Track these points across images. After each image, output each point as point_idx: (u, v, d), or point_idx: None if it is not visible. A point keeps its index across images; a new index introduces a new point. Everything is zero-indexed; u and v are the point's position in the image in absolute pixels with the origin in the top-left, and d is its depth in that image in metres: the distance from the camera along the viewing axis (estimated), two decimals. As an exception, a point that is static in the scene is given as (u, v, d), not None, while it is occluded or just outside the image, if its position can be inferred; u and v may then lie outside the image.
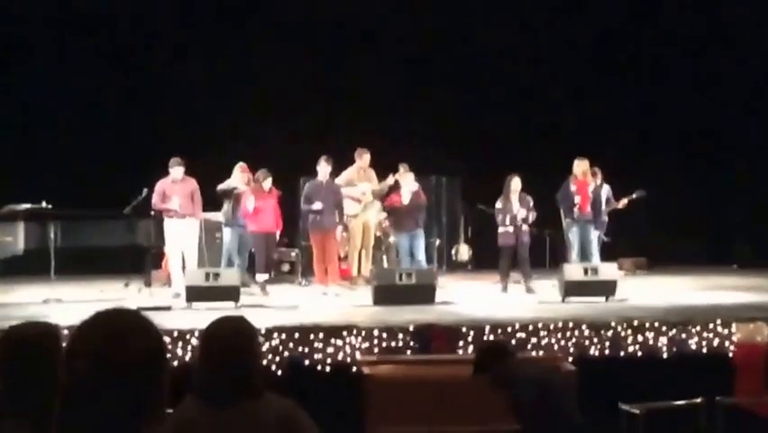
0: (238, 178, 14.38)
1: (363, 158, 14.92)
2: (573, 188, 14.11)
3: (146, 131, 17.33)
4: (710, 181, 19.02)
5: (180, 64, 17.83)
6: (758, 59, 18.28)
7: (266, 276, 13.81)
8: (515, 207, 13.89)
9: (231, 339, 3.75)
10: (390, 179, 14.85)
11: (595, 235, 14.16)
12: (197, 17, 18.47)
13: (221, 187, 14.34)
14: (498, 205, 14.08)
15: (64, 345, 3.11)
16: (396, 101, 18.01)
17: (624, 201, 15.15)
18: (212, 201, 14.25)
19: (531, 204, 14.01)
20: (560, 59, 18.73)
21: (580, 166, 14.18)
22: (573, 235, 14.09)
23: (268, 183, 13.93)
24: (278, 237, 14.48)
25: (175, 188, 13.43)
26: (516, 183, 13.99)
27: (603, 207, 14.82)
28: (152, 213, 13.69)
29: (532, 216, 13.97)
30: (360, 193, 14.78)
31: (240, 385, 3.65)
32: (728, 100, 18.79)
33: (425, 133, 17.84)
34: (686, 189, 18.62)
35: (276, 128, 17.51)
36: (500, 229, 14.00)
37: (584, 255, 13.97)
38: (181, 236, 13.42)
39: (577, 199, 14.04)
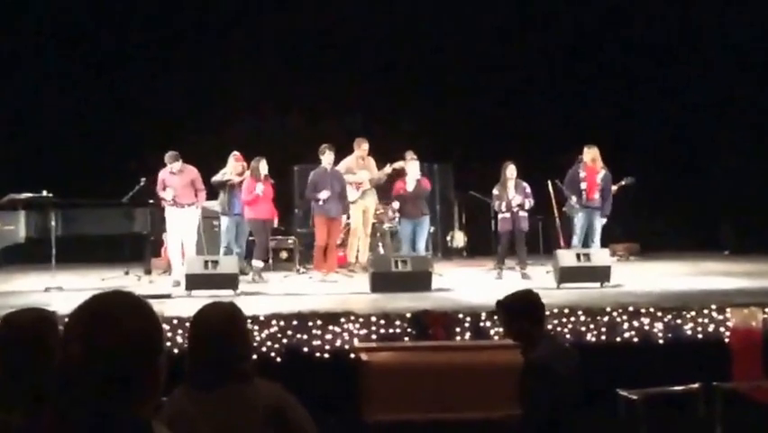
0: (232, 167, 14.45)
1: (362, 147, 14.98)
2: (582, 174, 14.14)
3: (143, 121, 17.38)
4: (696, 169, 19.16)
5: (177, 54, 17.87)
6: (742, 48, 18.38)
7: (263, 263, 13.86)
8: (510, 194, 13.98)
9: (217, 324, 3.79)
10: (388, 169, 14.95)
11: (601, 223, 14.19)
12: (192, 9, 18.52)
13: (215, 179, 14.40)
14: (495, 192, 14.20)
15: (61, 328, 3.15)
16: (387, 89, 18.03)
17: (614, 188, 15.21)
18: (209, 190, 14.31)
19: (527, 190, 14.10)
20: (547, 47, 18.76)
21: (590, 153, 14.21)
22: (578, 221, 14.15)
23: (264, 168, 13.94)
24: (275, 224, 14.49)
25: (173, 178, 13.51)
26: (510, 170, 14.10)
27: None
28: (151, 201, 13.78)
29: (529, 203, 14.05)
30: (359, 180, 14.85)
31: (226, 369, 3.69)
32: (714, 82, 18.91)
33: (417, 120, 17.86)
34: (673, 174, 18.72)
35: (268, 118, 17.56)
36: (499, 216, 14.14)
37: (586, 241, 14.03)
38: (180, 225, 13.49)
39: (584, 186, 14.08)
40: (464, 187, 17.17)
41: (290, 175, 16.77)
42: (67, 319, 2.28)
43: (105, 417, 2.18)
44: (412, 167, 14.45)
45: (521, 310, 5.70)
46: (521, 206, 13.99)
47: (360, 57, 18.27)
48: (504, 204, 14.04)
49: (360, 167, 14.96)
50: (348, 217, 14.96)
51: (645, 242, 17.78)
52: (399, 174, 14.73)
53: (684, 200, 18.98)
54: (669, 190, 18.61)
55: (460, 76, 18.51)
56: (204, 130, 16.82)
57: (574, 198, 14.20)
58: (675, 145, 18.99)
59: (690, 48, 18.87)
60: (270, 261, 15.48)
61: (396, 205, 14.94)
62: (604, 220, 14.27)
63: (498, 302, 5.84)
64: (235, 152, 14.57)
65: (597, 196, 14.13)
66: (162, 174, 13.59)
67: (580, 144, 14.39)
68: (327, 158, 14.02)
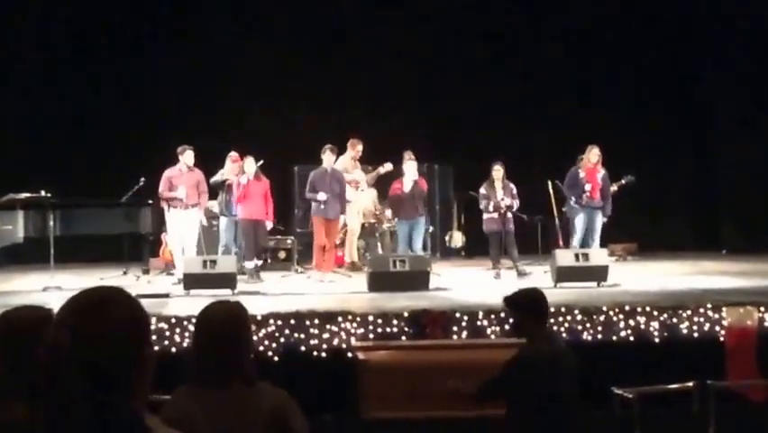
0: (229, 167, 14.49)
1: (356, 148, 15.04)
2: (582, 174, 14.16)
3: (142, 119, 17.41)
4: (696, 166, 19.21)
5: (175, 51, 17.88)
6: (742, 43, 18.40)
7: (254, 263, 13.84)
8: (499, 195, 14.04)
9: (226, 323, 3.80)
10: (381, 169, 15.05)
11: (600, 223, 14.22)
12: (188, 4, 18.55)
13: (214, 179, 14.45)
14: (483, 191, 14.25)
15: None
16: (388, 90, 18.04)
17: (614, 187, 15.21)
18: (209, 190, 14.35)
19: (514, 191, 14.17)
20: (547, 46, 18.77)
21: (592, 153, 14.23)
22: (579, 221, 14.15)
23: (250, 167, 13.86)
24: (269, 226, 14.39)
25: (182, 177, 13.59)
26: (497, 171, 14.16)
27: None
28: (150, 201, 13.83)
29: (515, 204, 14.11)
30: (356, 180, 14.91)
31: (233, 369, 3.71)
32: (713, 82, 18.96)
33: (417, 120, 17.89)
34: (672, 174, 18.76)
35: (269, 117, 17.58)
36: (485, 216, 14.19)
37: (585, 241, 14.06)
38: (184, 226, 13.55)
39: (588, 187, 14.09)
40: (464, 187, 17.18)
41: (291, 175, 16.79)
42: (58, 310, 2.34)
43: (98, 406, 2.21)
44: (409, 167, 14.48)
45: (523, 306, 5.81)
46: (510, 207, 14.05)
47: (362, 57, 18.26)
48: (492, 204, 14.10)
49: (354, 167, 15.04)
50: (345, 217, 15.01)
51: (644, 242, 17.79)
52: (393, 174, 14.81)
53: (684, 200, 19.03)
54: (669, 190, 18.64)
55: (461, 76, 18.51)
56: (204, 129, 16.79)
57: (573, 199, 14.23)
58: (675, 145, 19.04)
59: (691, 45, 18.93)
60: (269, 260, 15.52)
61: (388, 213, 15.10)
62: (605, 219, 14.31)
63: (505, 297, 5.94)
64: (232, 153, 14.59)
65: (598, 195, 14.18)
66: (169, 173, 13.65)
67: (580, 144, 14.41)
68: (328, 159, 14.04)
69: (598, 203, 14.20)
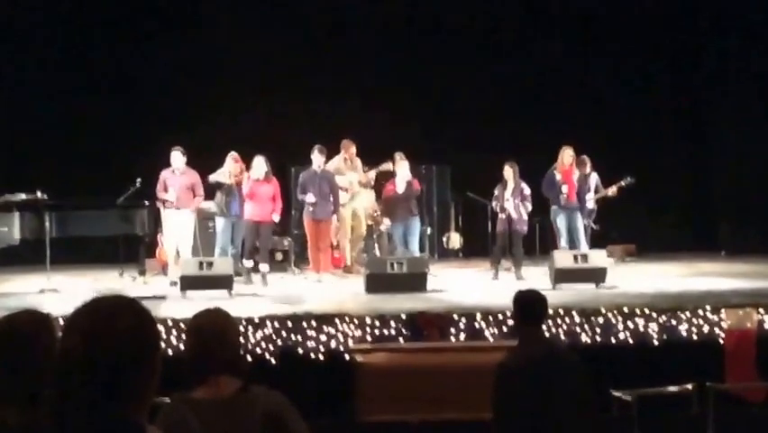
0: (230, 168, 14.38)
1: (350, 151, 14.95)
2: (558, 176, 14.14)
3: (140, 119, 17.38)
4: (695, 167, 19.22)
5: (174, 51, 17.84)
6: (740, 39, 18.39)
7: (250, 263, 13.77)
8: (506, 195, 14.01)
9: (218, 327, 3.84)
10: (372, 173, 15.01)
11: (581, 223, 14.22)
12: (187, 4, 18.53)
13: (212, 178, 14.31)
14: (495, 192, 14.25)
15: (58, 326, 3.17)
16: (385, 89, 18.02)
17: (613, 189, 15.17)
18: (206, 191, 14.28)
19: (525, 192, 14.10)
20: (547, 45, 18.75)
21: (566, 154, 14.21)
22: (561, 223, 14.14)
23: (258, 167, 13.68)
24: (276, 218, 14.20)
25: (175, 179, 13.48)
26: (506, 171, 14.12)
27: (591, 194, 14.86)
28: (146, 202, 13.77)
29: (524, 206, 14.04)
30: (347, 182, 14.84)
31: (224, 368, 3.73)
32: (711, 82, 18.97)
33: (415, 121, 17.86)
34: (671, 175, 18.76)
35: (267, 118, 17.55)
36: (499, 216, 14.19)
37: (572, 243, 14.04)
38: (177, 227, 13.49)
39: (564, 189, 14.06)
40: (461, 188, 17.15)
41: (288, 175, 16.75)
42: (69, 315, 2.36)
43: (99, 417, 2.23)
44: (402, 168, 14.45)
45: (517, 306, 5.80)
46: (515, 208, 14.01)
47: (360, 56, 18.24)
48: (499, 205, 14.08)
49: (348, 168, 14.97)
50: (338, 219, 14.94)
51: (643, 243, 17.77)
52: (386, 175, 14.76)
53: (683, 202, 19.02)
54: (668, 192, 18.63)
55: (459, 76, 18.47)
56: (202, 128, 16.75)
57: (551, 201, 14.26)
58: (674, 146, 19.03)
59: (692, 45, 18.95)
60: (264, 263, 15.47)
61: (384, 227, 15.06)
62: (584, 221, 14.30)
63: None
64: (233, 153, 14.44)
65: (575, 196, 14.16)
66: (164, 174, 13.56)
67: (580, 144, 14.37)
68: (316, 159, 14.01)
69: (576, 204, 14.19)
